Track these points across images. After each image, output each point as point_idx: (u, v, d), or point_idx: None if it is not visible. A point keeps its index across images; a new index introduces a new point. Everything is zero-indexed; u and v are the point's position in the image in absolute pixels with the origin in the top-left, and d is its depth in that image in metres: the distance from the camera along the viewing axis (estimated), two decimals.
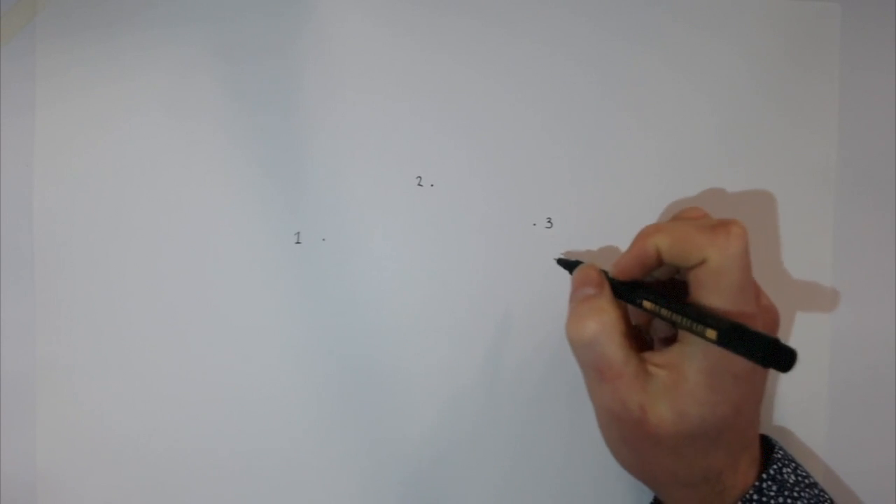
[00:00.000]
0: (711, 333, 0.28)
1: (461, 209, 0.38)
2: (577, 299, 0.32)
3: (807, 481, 0.32)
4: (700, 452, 0.30)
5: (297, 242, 0.38)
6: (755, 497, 0.31)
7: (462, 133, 0.38)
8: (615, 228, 0.38)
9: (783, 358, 0.26)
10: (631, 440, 0.31)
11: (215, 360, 0.38)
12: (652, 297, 0.31)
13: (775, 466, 0.32)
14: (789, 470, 0.32)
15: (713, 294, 0.29)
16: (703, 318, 0.28)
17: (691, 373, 0.29)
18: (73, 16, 0.38)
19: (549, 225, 0.38)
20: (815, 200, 0.39)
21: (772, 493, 0.31)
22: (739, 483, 0.31)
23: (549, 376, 0.38)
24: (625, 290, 0.32)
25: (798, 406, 0.38)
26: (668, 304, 0.30)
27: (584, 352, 0.31)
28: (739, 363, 0.29)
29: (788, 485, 0.32)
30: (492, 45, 0.38)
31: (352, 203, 0.38)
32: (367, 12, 0.38)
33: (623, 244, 0.38)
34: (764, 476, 0.31)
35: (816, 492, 0.32)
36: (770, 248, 0.39)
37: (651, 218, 0.38)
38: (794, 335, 0.39)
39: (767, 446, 0.34)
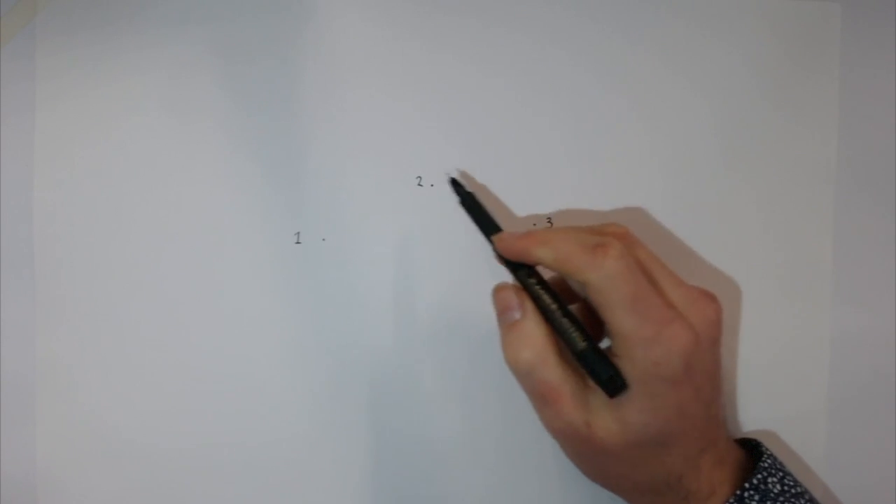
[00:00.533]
0: (578, 339, 0.30)
1: (461, 209, 0.38)
2: (504, 326, 0.32)
3: (794, 491, 0.32)
4: (653, 458, 0.30)
5: (297, 242, 0.38)
6: None
7: (462, 133, 0.38)
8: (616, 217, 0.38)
9: (614, 385, 0.29)
10: (585, 455, 0.32)
11: (215, 360, 0.38)
12: (539, 288, 0.32)
13: (760, 476, 0.32)
14: (775, 479, 0.32)
15: (606, 311, 0.30)
16: (568, 332, 0.30)
17: (632, 380, 0.29)
18: (73, 16, 0.38)
19: (549, 225, 0.38)
20: (815, 200, 0.39)
21: (753, 503, 0.31)
22: (705, 486, 0.31)
23: None
24: (520, 270, 0.33)
25: (797, 407, 0.38)
26: (556, 303, 0.31)
27: (523, 379, 0.31)
28: (668, 367, 0.29)
29: (772, 495, 0.31)
30: (492, 45, 0.38)
31: (352, 203, 0.38)
32: (367, 12, 0.38)
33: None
34: (746, 485, 0.31)
35: (803, 502, 0.32)
36: (770, 248, 0.39)
37: (651, 217, 0.38)
38: (794, 335, 0.39)
39: (756, 454, 0.34)
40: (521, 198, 0.38)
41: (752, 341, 0.38)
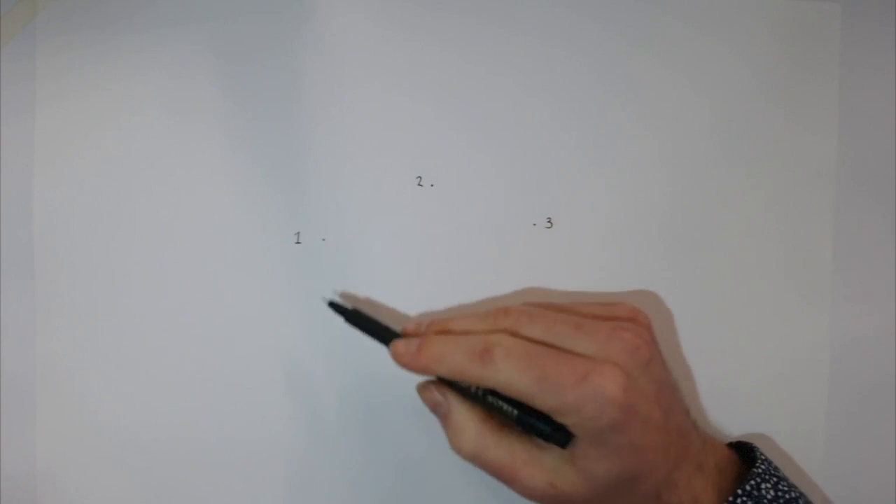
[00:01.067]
0: (509, 410, 0.31)
1: (461, 209, 0.38)
2: (440, 420, 0.33)
3: (788, 496, 0.32)
4: (625, 494, 0.30)
5: (297, 242, 0.38)
6: None
7: (462, 133, 0.38)
8: (615, 228, 0.38)
9: (562, 436, 0.30)
10: None
11: (215, 360, 0.38)
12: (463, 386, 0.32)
13: (753, 482, 0.32)
14: (769, 485, 0.32)
15: (523, 398, 0.30)
16: (498, 407, 0.31)
17: (580, 437, 0.29)
18: (73, 16, 0.38)
19: (549, 225, 0.38)
20: (815, 200, 0.39)
21: None
22: (686, 498, 0.31)
23: None
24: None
25: (797, 407, 0.38)
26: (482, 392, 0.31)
27: (475, 464, 0.32)
28: (604, 418, 0.29)
29: (766, 501, 0.31)
30: (492, 45, 0.38)
31: (352, 203, 0.38)
32: (367, 11, 0.38)
33: (622, 243, 0.38)
34: (739, 492, 0.31)
35: None
36: (770, 248, 0.39)
37: (651, 218, 0.38)
38: (794, 335, 0.39)
39: (749, 459, 0.34)
40: (521, 198, 0.38)
41: (752, 341, 0.38)
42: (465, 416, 0.32)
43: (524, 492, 0.31)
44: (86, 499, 0.38)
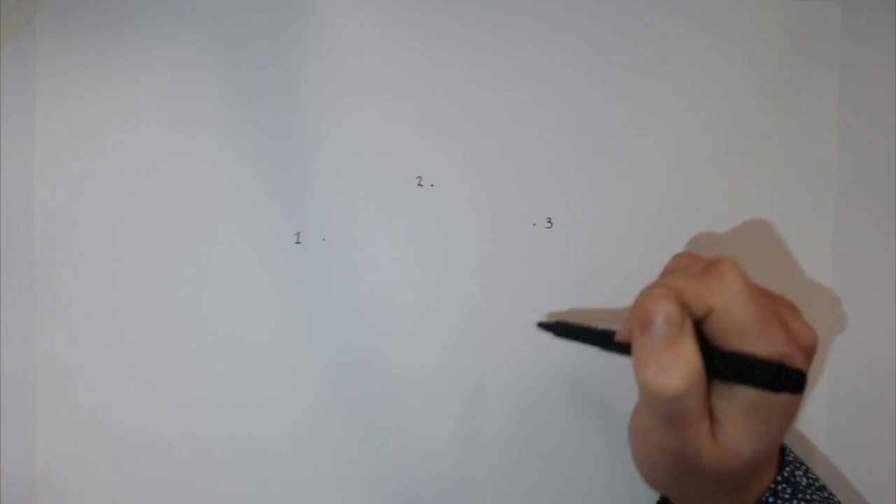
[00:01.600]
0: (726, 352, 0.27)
1: (461, 209, 0.38)
2: (656, 340, 0.27)
3: (817, 484, 0.32)
4: (746, 478, 0.29)
5: (297, 242, 0.38)
6: (770, 500, 0.31)
7: (462, 133, 0.38)
8: (615, 228, 0.38)
9: (793, 381, 0.26)
10: (677, 471, 0.29)
11: (215, 360, 0.38)
12: None
13: (788, 469, 0.32)
14: (801, 472, 0.32)
15: (732, 336, 0.27)
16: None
17: (740, 411, 0.27)
18: (73, 16, 0.38)
19: (549, 225, 0.38)
20: (815, 200, 0.39)
21: (786, 496, 0.31)
22: (756, 489, 0.31)
23: (551, 376, 0.38)
24: None
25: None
26: None
27: (662, 405, 0.27)
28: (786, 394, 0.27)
29: (801, 487, 0.31)
30: (492, 45, 0.38)
31: (352, 203, 0.38)
32: (367, 12, 0.38)
33: (622, 243, 0.38)
34: (779, 478, 0.31)
35: (826, 495, 0.32)
36: (770, 249, 0.39)
37: (651, 218, 0.38)
38: None
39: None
40: (521, 198, 0.38)
41: None
42: (698, 351, 0.27)
43: (671, 442, 0.28)
44: (85, 499, 0.38)
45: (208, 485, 0.38)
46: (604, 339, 0.31)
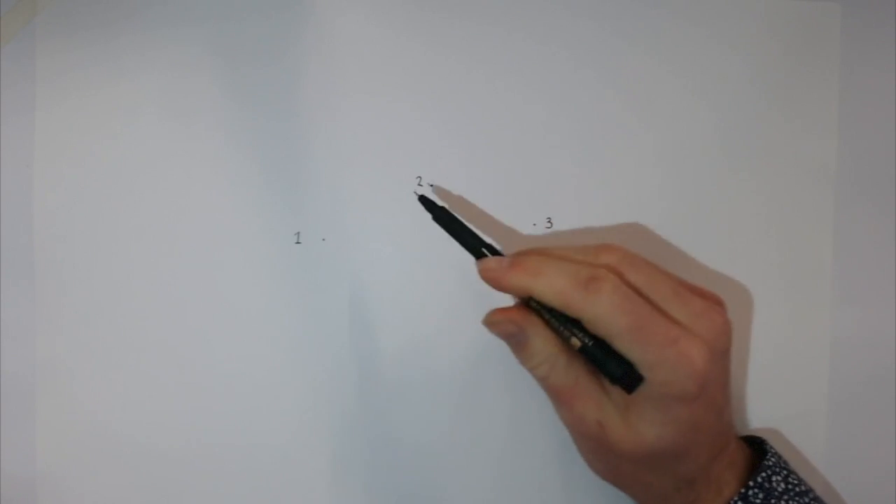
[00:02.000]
0: (576, 342, 0.30)
1: (461, 209, 0.38)
2: (511, 345, 0.32)
3: (798, 489, 0.32)
4: (665, 467, 0.31)
5: (297, 242, 0.38)
6: None
7: (462, 133, 0.38)
8: (615, 228, 0.38)
9: (630, 381, 0.29)
10: (597, 453, 0.32)
11: (215, 360, 0.38)
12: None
13: (764, 474, 0.32)
14: (779, 478, 0.32)
15: (609, 340, 0.29)
16: (571, 326, 0.30)
17: (638, 395, 0.29)
18: (73, 16, 0.38)
19: (549, 225, 0.38)
20: (815, 200, 0.39)
21: (757, 501, 0.31)
22: (713, 488, 0.32)
23: None
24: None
25: (798, 407, 0.38)
26: (550, 313, 0.31)
27: (543, 385, 0.32)
28: (677, 386, 0.29)
29: (777, 493, 0.32)
30: (492, 46, 0.38)
31: (352, 203, 0.38)
32: (367, 12, 0.38)
33: (622, 243, 0.38)
34: (751, 483, 0.31)
35: (807, 500, 0.32)
36: (770, 249, 0.39)
37: (651, 218, 0.38)
38: (795, 335, 0.39)
39: (760, 452, 0.34)
40: (521, 198, 0.38)
41: (753, 341, 0.38)
42: (543, 339, 0.31)
43: (572, 420, 0.31)
44: (85, 499, 0.38)
45: (209, 485, 0.38)
46: (473, 250, 0.33)
